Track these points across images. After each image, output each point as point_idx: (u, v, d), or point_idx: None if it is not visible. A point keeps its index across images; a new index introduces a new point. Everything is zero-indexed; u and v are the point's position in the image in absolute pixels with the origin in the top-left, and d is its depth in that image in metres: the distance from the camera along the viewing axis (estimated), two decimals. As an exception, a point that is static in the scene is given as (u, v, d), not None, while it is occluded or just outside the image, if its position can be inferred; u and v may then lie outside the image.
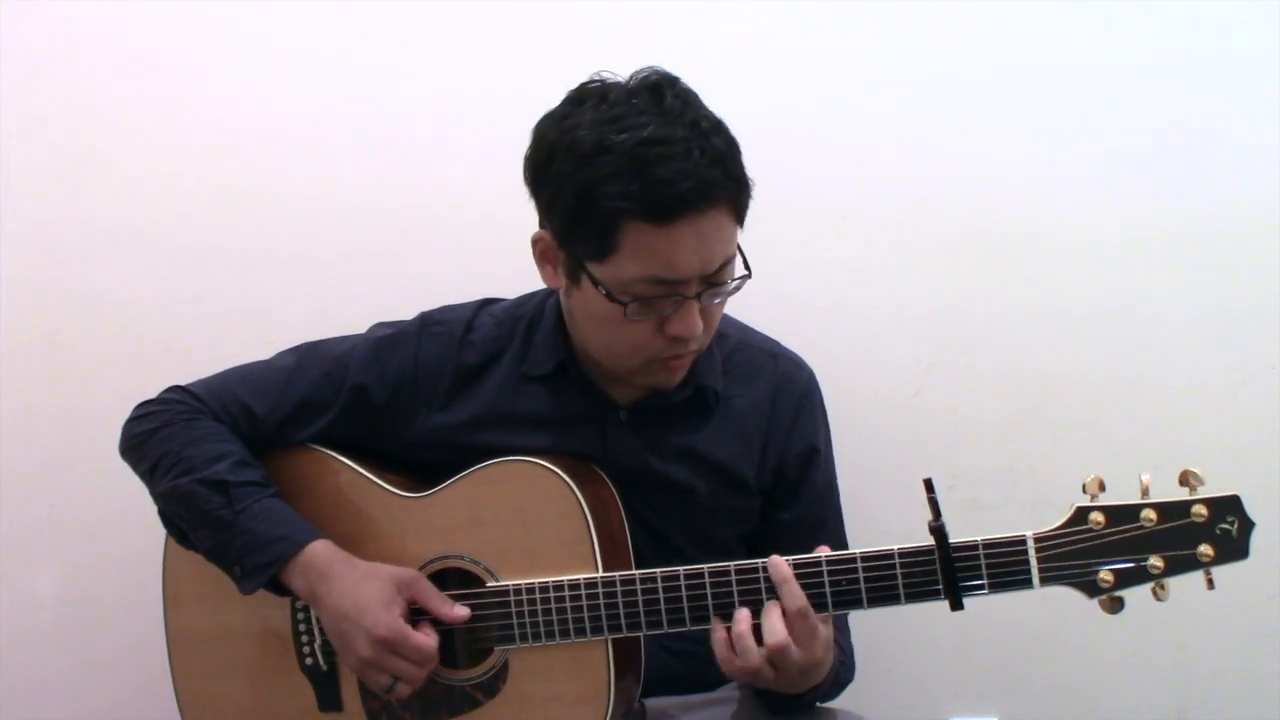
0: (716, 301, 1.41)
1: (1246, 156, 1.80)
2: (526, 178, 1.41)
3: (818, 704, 1.51)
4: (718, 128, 1.36)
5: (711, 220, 1.33)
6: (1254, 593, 1.81)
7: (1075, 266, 1.84)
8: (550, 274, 1.45)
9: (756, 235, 1.86)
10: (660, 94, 1.34)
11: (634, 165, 1.30)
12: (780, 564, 1.33)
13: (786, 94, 1.87)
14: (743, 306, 1.61)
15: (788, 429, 1.54)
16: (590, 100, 1.36)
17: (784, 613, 1.31)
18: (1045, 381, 1.86)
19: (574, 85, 1.39)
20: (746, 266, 1.41)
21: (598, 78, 1.39)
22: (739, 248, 1.40)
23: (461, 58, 1.93)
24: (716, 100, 1.40)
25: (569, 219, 1.35)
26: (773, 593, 1.33)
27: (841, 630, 1.53)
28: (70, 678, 2.04)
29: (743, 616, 1.33)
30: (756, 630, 1.32)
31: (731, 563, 1.36)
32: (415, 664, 1.41)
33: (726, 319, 1.58)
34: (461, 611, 1.43)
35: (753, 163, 1.84)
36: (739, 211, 1.37)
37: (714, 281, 1.37)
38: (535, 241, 1.43)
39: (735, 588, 1.35)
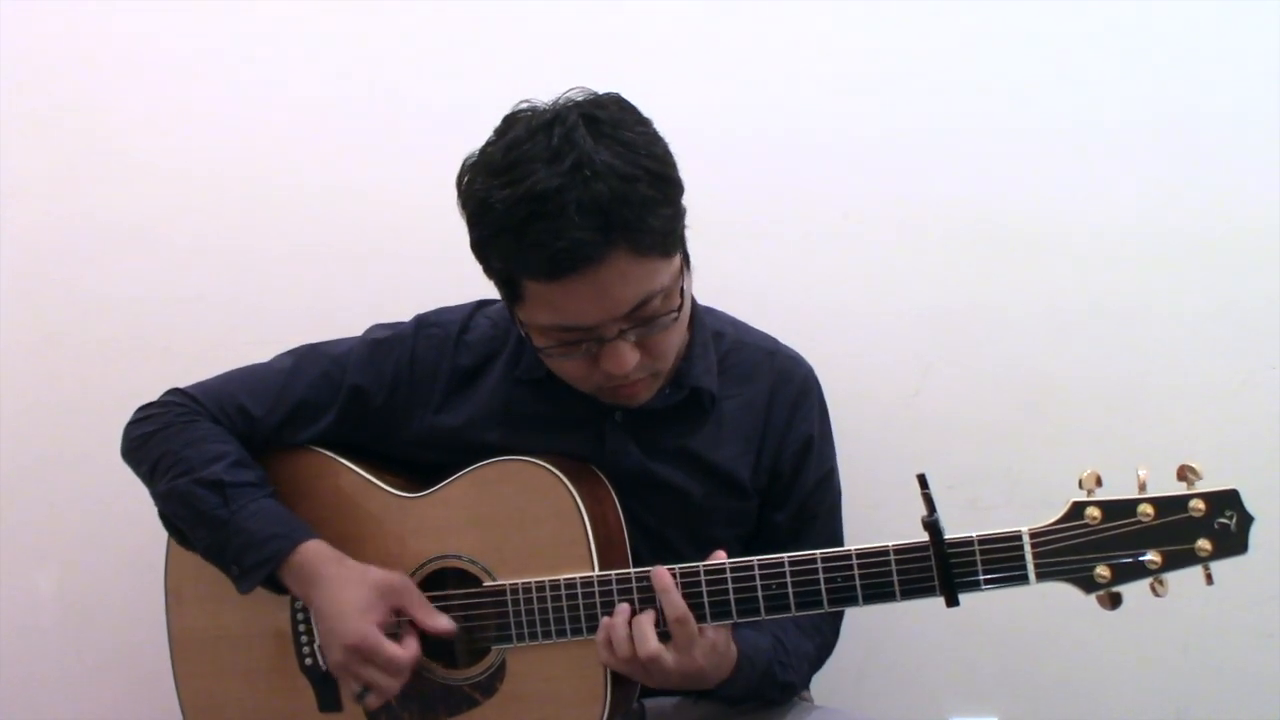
0: (655, 334, 1.35)
1: (1246, 156, 1.79)
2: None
3: (748, 700, 1.50)
4: (607, 167, 1.25)
5: (609, 269, 1.26)
6: (1254, 593, 1.81)
7: (1075, 266, 1.84)
8: None
9: (757, 236, 1.85)
10: (550, 133, 1.26)
11: (511, 227, 1.26)
12: (662, 574, 1.34)
13: (786, 94, 1.86)
14: (742, 307, 1.61)
15: (784, 427, 1.53)
16: (496, 143, 1.31)
17: (664, 620, 1.32)
18: (1045, 381, 1.85)
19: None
20: (682, 295, 1.35)
21: (525, 107, 1.33)
22: (685, 264, 1.36)
23: (462, 58, 1.93)
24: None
25: (481, 267, 1.35)
26: (769, 589, 1.33)
27: (792, 633, 1.51)
28: (70, 678, 2.05)
29: (622, 610, 1.34)
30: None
31: (727, 560, 1.36)
32: (387, 674, 1.40)
33: (723, 317, 1.58)
34: (445, 624, 1.43)
35: (752, 164, 1.85)
36: (644, 250, 1.28)
37: (637, 320, 1.33)
38: None
39: (730, 585, 1.35)
